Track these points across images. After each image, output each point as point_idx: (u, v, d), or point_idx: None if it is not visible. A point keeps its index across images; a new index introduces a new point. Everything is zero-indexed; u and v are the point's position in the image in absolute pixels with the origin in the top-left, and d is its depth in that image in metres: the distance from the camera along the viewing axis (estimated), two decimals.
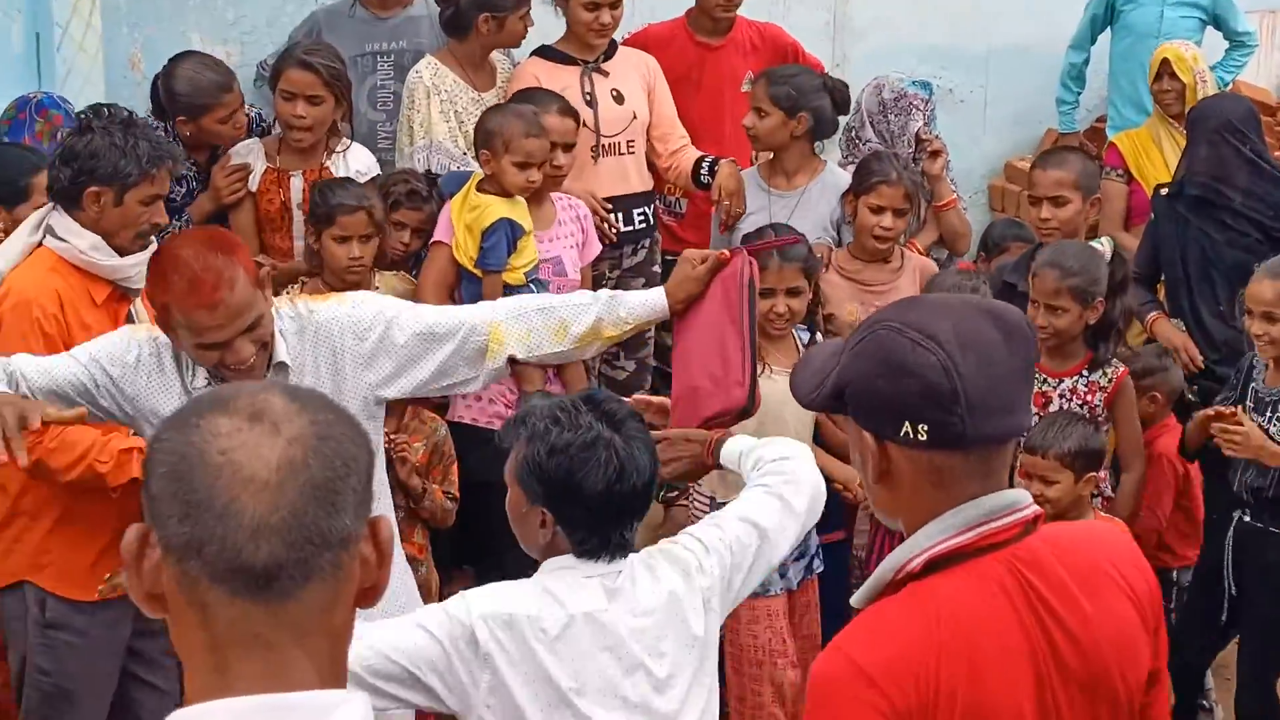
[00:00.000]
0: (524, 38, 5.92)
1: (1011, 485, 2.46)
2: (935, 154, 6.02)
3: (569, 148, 5.42)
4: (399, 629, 3.07)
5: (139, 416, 3.82)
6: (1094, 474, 4.77)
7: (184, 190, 5.69)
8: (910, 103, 6.21)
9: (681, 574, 3.28)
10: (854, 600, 2.41)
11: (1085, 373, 5.06)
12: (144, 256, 4.20)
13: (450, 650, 3.04)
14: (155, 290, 3.67)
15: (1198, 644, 5.18)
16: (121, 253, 4.26)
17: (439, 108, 5.81)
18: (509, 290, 5.16)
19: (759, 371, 4.10)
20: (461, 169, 5.69)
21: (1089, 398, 5.04)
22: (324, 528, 1.69)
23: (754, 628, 5.00)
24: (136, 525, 1.75)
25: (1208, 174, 5.96)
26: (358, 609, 1.79)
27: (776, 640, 5.01)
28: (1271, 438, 4.95)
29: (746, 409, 3.96)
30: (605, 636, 3.12)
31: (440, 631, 3.04)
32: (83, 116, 4.42)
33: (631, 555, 3.25)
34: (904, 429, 2.26)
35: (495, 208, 5.22)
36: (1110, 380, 5.06)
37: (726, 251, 4.03)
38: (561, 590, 3.12)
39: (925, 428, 2.24)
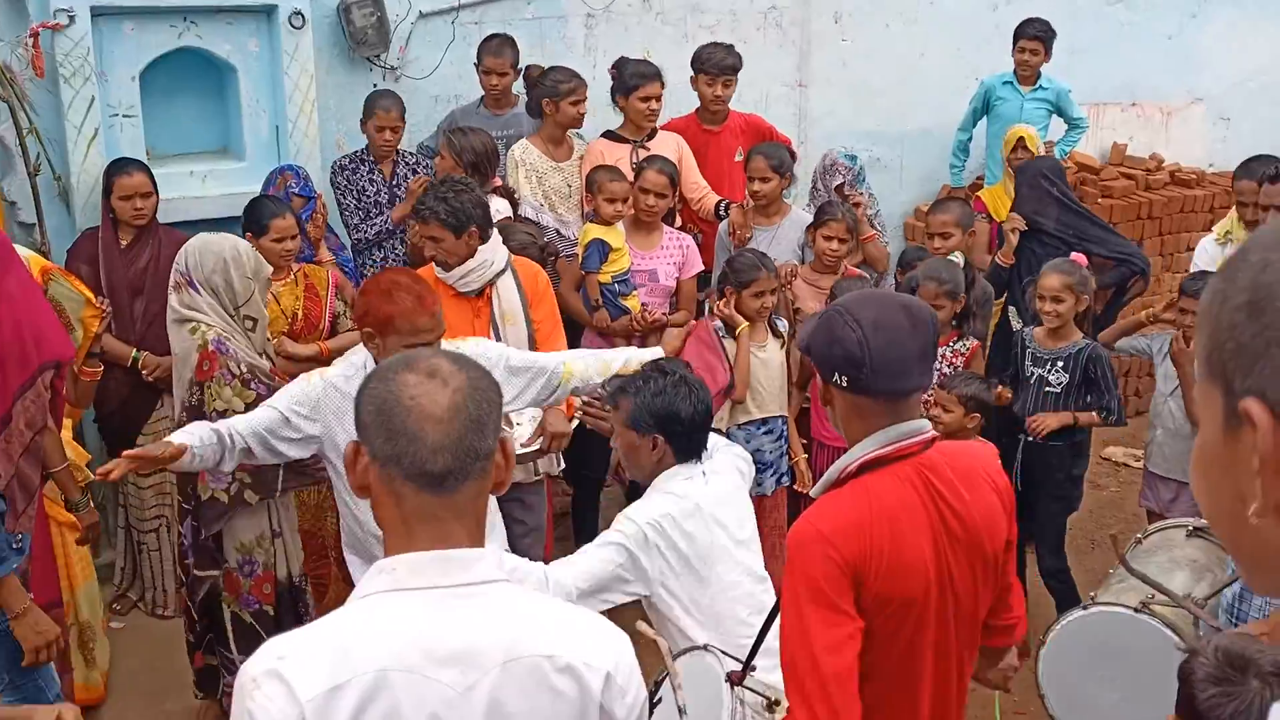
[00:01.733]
0: (577, 117, 6.21)
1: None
2: (856, 205, 6.17)
3: (660, 195, 5.77)
4: (591, 558, 3.38)
5: (324, 443, 3.96)
6: (976, 415, 5.02)
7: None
8: (836, 169, 6.38)
9: (739, 472, 3.73)
10: (812, 491, 2.68)
11: (952, 344, 5.38)
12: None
13: (635, 551, 3.40)
14: (381, 304, 3.76)
15: None
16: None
17: (524, 174, 6.22)
18: (602, 286, 5.75)
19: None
20: (537, 212, 6.17)
21: (955, 361, 5.34)
22: (476, 447, 1.94)
23: None
24: (352, 441, 2.00)
25: (1029, 209, 6.46)
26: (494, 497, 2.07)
27: None
28: (1048, 382, 5.33)
29: (731, 387, 4.94)
30: (712, 516, 3.51)
31: (628, 541, 3.40)
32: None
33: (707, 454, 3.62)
34: (834, 377, 2.54)
35: (592, 231, 5.74)
36: (967, 349, 5.40)
37: (694, 323, 5.01)
38: (680, 488, 3.51)
39: (845, 379, 2.51)
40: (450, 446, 1.91)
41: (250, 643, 4.54)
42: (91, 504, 4.66)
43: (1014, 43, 7.62)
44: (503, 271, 4.85)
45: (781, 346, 5.47)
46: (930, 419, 4.92)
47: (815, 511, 2.56)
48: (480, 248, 4.77)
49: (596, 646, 2.01)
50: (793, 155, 6.41)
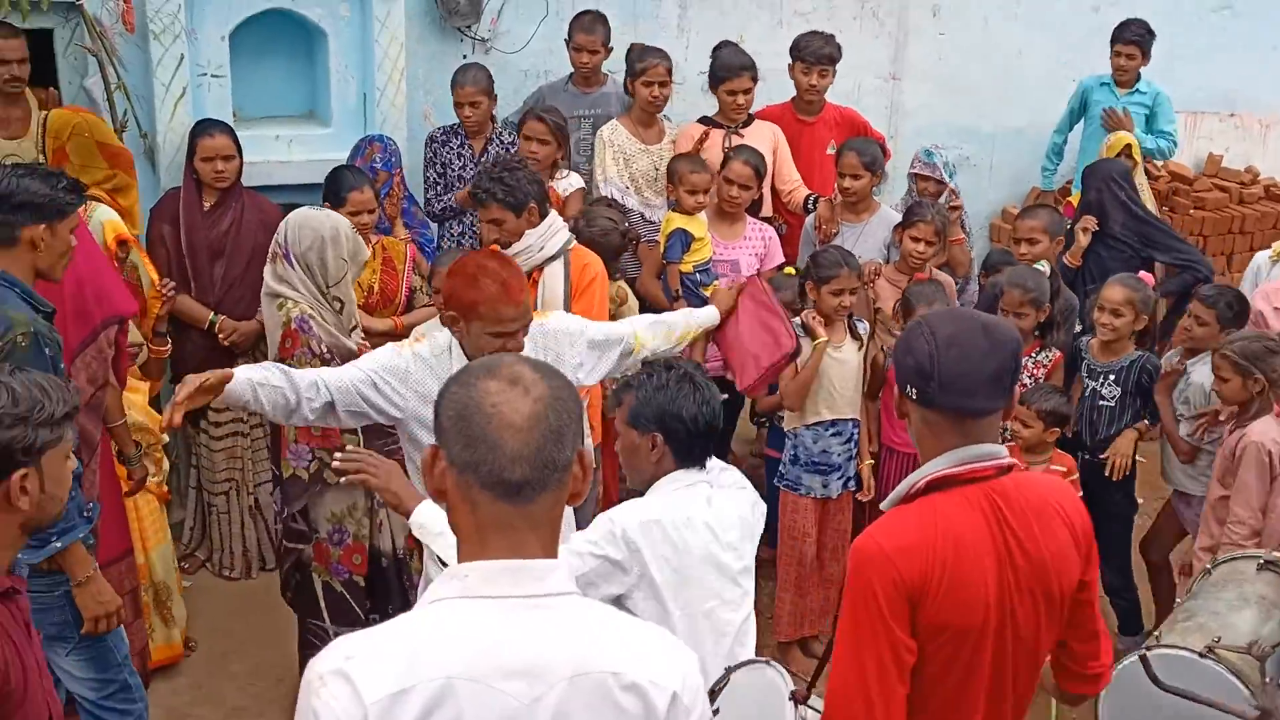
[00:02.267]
0: (650, 100, 6.09)
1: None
2: (955, 208, 6.13)
3: (745, 187, 5.71)
4: (576, 553, 3.15)
5: (407, 417, 3.77)
6: (1056, 429, 4.97)
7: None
8: (916, 162, 6.30)
9: (749, 504, 3.44)
10: (883, 505, 2.62)
11: (1034, 355, 5.26)
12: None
13: (610, 551, 3.18)
14: (466, 290, 3.64)
15: None
16: None
17: (611, 156, 6.16)
18: (683, 275, 5.64)
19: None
20: (623, 195, 6.10)
21: (1036, 372, 5.23)
22: (555, 458, 1.93)
23: (793, 515, 5.31)
24: (431, 445, 1.98)
25: (1095, 211, 6.39)
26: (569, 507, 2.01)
27: (806, 526, 5.29)
28: (1102, 396, 5.25)
29: (798, 351, 4.72)
30: (707, 532, 3.25)
31: (604, 540, 3.19)
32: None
33: (711, 471, 3.35)
34: (906, 388, 2.55)
35: (674, 221, 5.66)
36: (1049, 361, 5.29)
37: (744, 279, 4.78)
38: (674, 498, 3.26)
39: (914, 390, 2.52)
40: (529, 456, 1.90)
41: (342, 611, 4.66)
42: (144, 461, 4.73)
43: (1111, 45, 7.46)
44: (554, 257, 4.73)
45: (860, 348, 5.35)
46: (1013, 434, 4.99)
47: (880, 527, 2.53)
48: (528, 231, 4.68)
49: (664, 665, 2.00)
50: (885, 152, 6.32)
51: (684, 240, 5.66)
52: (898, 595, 2.42)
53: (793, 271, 5.66)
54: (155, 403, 5.19)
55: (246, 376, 3.54)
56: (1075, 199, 7.09)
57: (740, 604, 3.35)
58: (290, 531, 4.62)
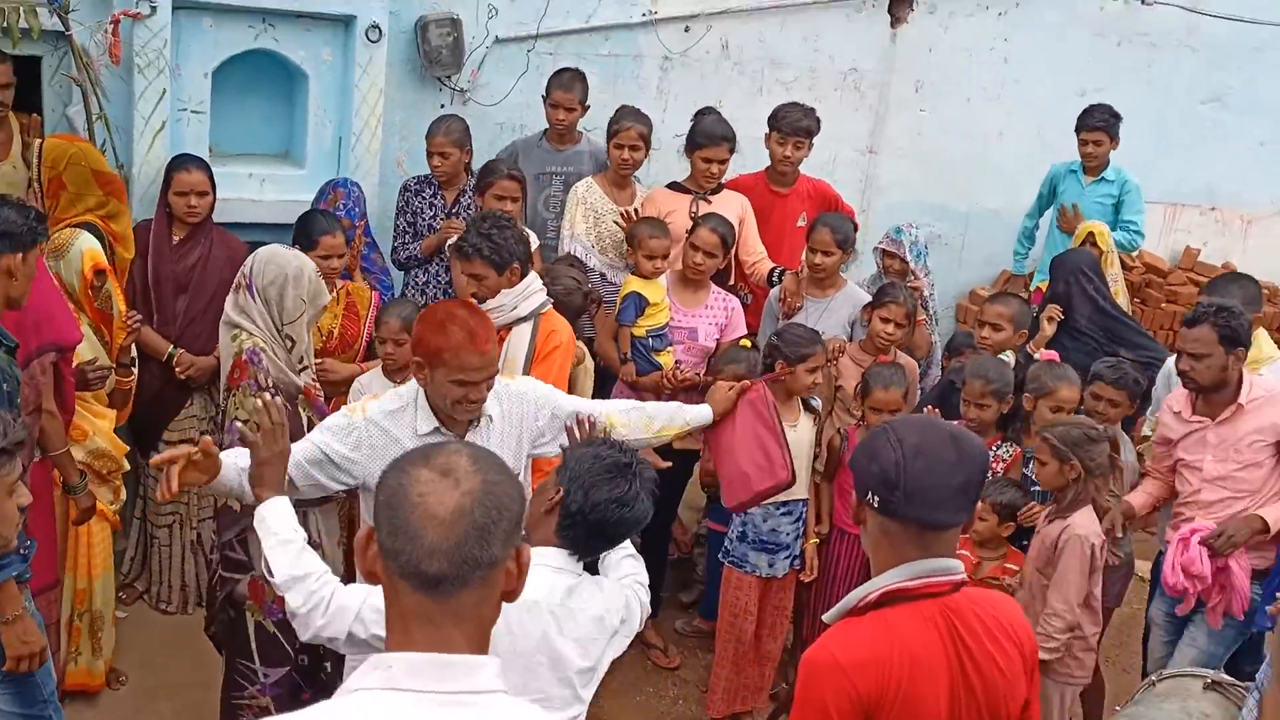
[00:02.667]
0: (621, 161, 6.12)
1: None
2: (914, 289, 6.07)
3: (710, 255, 5.68)
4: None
5: (359, 484, 3.76)
6: (1010, 523, 4.94)
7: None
8: (886, 250, 6.29)
9: (618, 604, 3.20)
10: (825, 617, 2.58)
11: (994, 449, 5.16)
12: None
13: None
14: (432, 336, 3.66)
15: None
16: None
17: (583, 214, 6.16)
18: (634, 339, 5.64)
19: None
20: (586, 254, 6.09)
21: (996, 466, 5.13)
22: (477, 555, 1.87)
23: (736, 592, 5.33)
24: (367, 525, 1.97)
25: (1062, 303, 6.35)
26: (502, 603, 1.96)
27: (748, 603, 5.33)
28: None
29: (791, 484, 4.46)
30: (552, 622, 3.03)
31: None
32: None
33: (605, 559, 3.28)
34: (867, 495, 2.51)
35: (631, 284, 5.66)
36: (1009, 455, 5.22)
37: (749, 381, 4.45)
38: (535, 576, 2.94)
39: (876, 499, 2.48)
40: (447, 551, 1.87)
41: (273, 651, 4.61)
42: (93, 488, 4.73)
43: (1077, 133, 7.42)
44: (525, 319, 4.78)
45: (814, 425, 5.38)
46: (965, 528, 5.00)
47: (834, 639, 2.50)
48: (504, 290, 4.73)
49: None
50: (854, 226, 6.32)
51: (638, 304, 5.67)
52: (852, 710, 2.40)
53: (748, 344, 5.67)
54: (121, 431, 5.23)
55: (231, 461, 3.52)
56: (1043, 286, 7.13)
57: (565, 707, 3.08)
58: (228, 561, 4.59)
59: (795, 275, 6.04)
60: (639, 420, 4.17)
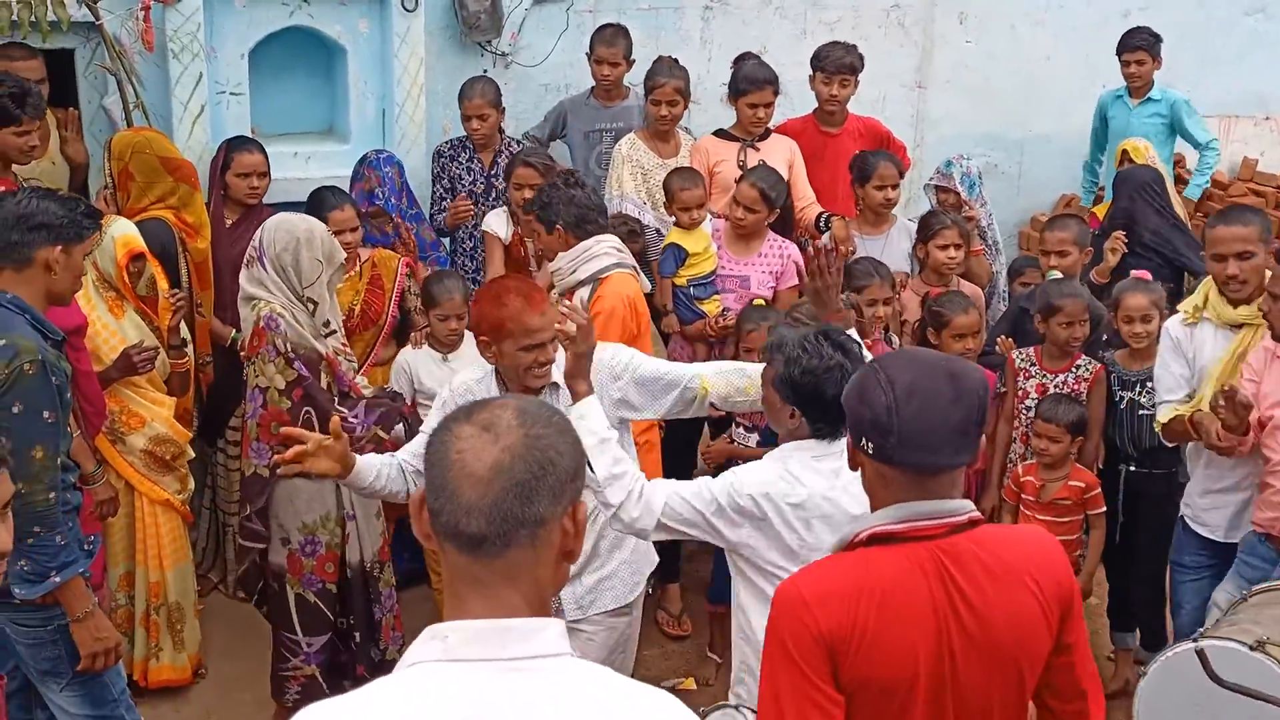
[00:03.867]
0: (657, 117, 6.05)
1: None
2: (970, 219, 6.00)
3: (750, 210, 5.55)
4: (686, 497, 3.31)
5: None
6: (1081, 438, 4.98)
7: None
8: (937, 174, 6.28)
9: None
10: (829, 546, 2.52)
11: (1075, 369, 5.18)
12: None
13: (727, 507, 3.29)
14: (492, 311, 3.72)
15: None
16: None
17: (629, 171, 6.09)
18: (676, 289, 5.58)
19: None
20: (639, 210, 5.99)
21: (1078, 387, 5.15)
22: (519, 513, 1.78)
23: None
24: (421, 488, 1.87)
25: (1124, 218, 6.32)
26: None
27: None
28: (1141, 405, 5.06)
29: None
30: (829, 507, 3.27)
31: (722, 497, 3.29)
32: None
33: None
34: (861, 440, 2.37)
35: (672, 235, 5.65)
36: (1091, 373, 5.17)
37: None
38: (799, 471, 3.30)
39: (870, 445, 2.35)
40: (485, 510, 1.77)
41: (315, 622, 4.68)
42: (107, 479, 4.66)
43: (1119, 56, 7.36)
44: (584, 283, 4.73)
45: None
46: (1038, 451, 4.91)
47: (804, 573, 2.43)
48: (561, 252, 4.74)
49: None
50: (906, 161, 6.31)
51: (677, 255, 5.61)
52: (816, 646, 2.30)
53: (762, 302, 5.57)
54: (185, 419, 5.18)
55: (368, 463, 3.79)
56: (1100, 210, 7.06)
57: None
58: (246, 530, 4.65)
59: (844, 221, 5.95)
60: (739, 382, 4.01)
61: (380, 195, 5.79)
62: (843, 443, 3.09)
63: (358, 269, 5.40)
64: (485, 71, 6.67)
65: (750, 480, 3.32)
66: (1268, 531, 4.37)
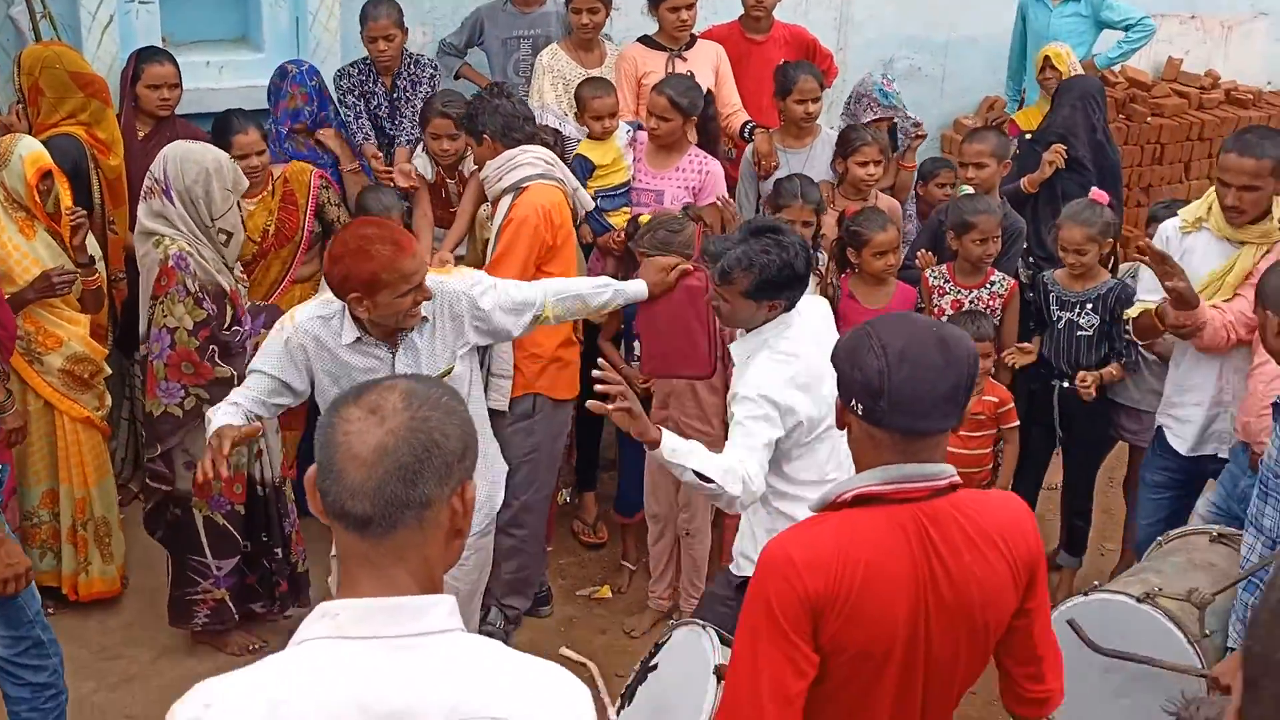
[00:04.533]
0: (579, 25, 6.00)
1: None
2: (920, 138, 6.16)
3: (663, 119, 5.49)
4: (751, 432, 3.59)
5: (316, 383, 3.85)
6: (990, 355, 5.02)
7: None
8: (867, 103, 6.26)
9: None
10: (809, 506, 2.54)
11: (988, 285, 5.30)
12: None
13: (779, 418, 3.64)
14: (362, 266, 3.54)
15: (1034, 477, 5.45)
16: None
17: (550, 82, 6.03)
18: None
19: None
20: (560, 122, 5.91)
21: (993, 303, 5.28)
22: (403, 496, 1.81)
23: None
24: (314, 465, 1.89)
25: (1063, 128, 6.21)
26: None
27: None
28: (1079, 325, 5.17)
29: (709, 376, 4.50)
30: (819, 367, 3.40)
31: (765, 419, 3.62)
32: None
33: None
34: (851, 401, 2.42)
35: (581, 147, 5.59)
36: (1006, 289, 5.29)
37: (690, 266, 4.32)
38: (787, 347, 3.67)
39: (860, 407, 2.39)
40: (369, 493, 1.81)
41: (224, 544, 4.77)
42: (16, 407, 4.61)
43: None
44: (506, 191, 4.76)
45: (816, 281, 5.28)
46: None
47: (792, 535, 2.46)
48: (489, 160, 4.79)
49: (551, 707, 1.85)
50: (832, 69, 6.32)
51: (584, 166, 5.54)
52: (801, 608, 2.34)
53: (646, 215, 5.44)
54: (100, 335, 5.16)
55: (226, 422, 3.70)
56: (1021, 114, 7.06)
57: None
58: (152, 473, 4.71)
59: (766, 134, 5.93)
60: (575, 305, 4.21)
61: (307, 112, 5.74)
62: (794, 314, 3.71)
63: (270, 188, 5.34)
64: None
65: (766, 383, 3.63)
66: (1245, 439, 4.40)
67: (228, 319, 4.56)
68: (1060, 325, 5.26)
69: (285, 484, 4.97)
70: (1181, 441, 4.78)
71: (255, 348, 4.31)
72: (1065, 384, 5.28)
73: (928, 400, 2.34)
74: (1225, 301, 4.51)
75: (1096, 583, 3.97)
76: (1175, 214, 4.89)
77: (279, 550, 4.95)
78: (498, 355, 4.83)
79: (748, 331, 3.79)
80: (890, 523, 2.38)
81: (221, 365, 4.56)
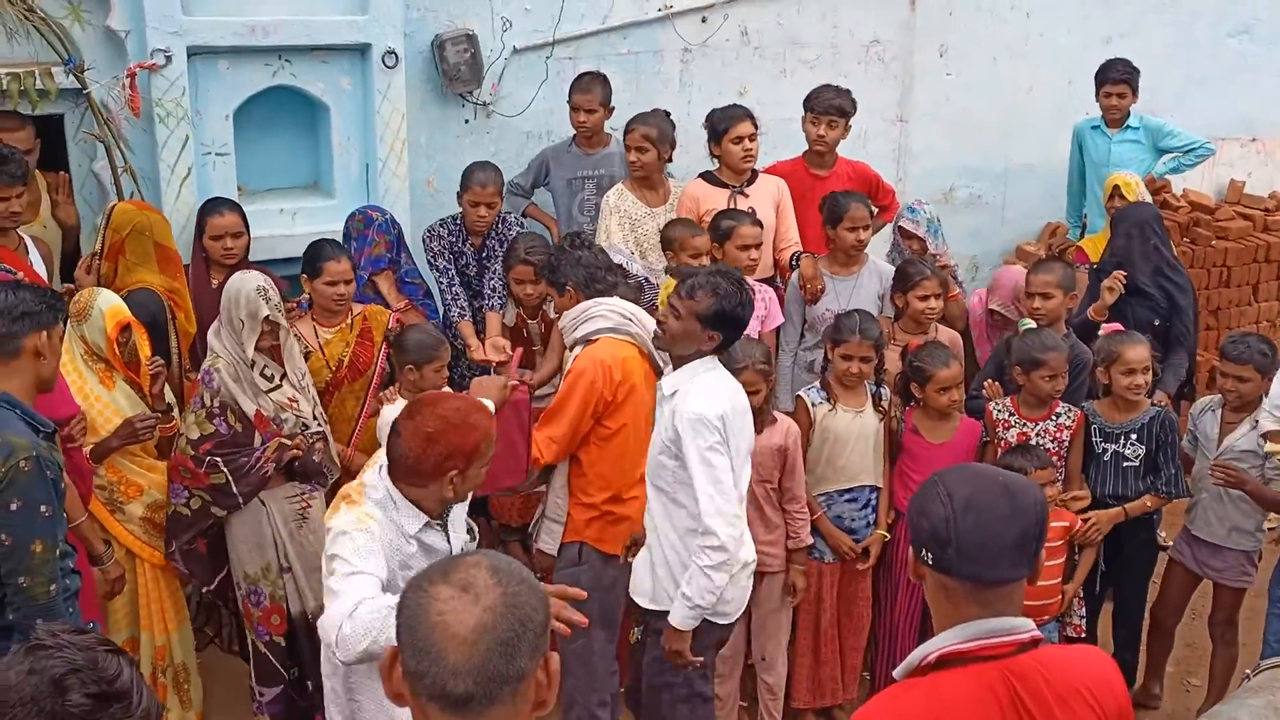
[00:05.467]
0: (633, 165, 6.16)
1: None
2: (944, 267, 6.12)
3: (757, 247, 5.74)
4: (714, 475, 4.03)
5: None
6: (1050, 486, 4.93)
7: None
8: (906, 230, 6.33)
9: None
10: (895, 673, 2.49)
11: (1054, 416, 5.25)
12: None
13: (721, 445, 4.04)
14: (465, 439, 3.43)
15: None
16: None
17: (617, 221, 6.20)
18: None
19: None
20: (628, 261, 6.03)
21: (1059, 435, 5.23)
22: (504, 671, 1.83)
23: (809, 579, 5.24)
24: (391, 647, 1.93)
25: (1121, 255, 6.29)
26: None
27: (821, 591, 5.32)
28: (1125, 457, 5.20)
29: (524, 481, 4.69)
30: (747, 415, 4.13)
31: (713, 439, 4.06)
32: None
33: None
34: (922, 551, 2.43)
35: (669, 286, 5.38)
36: (1073, 421, 5.24)
37: (517, 380, 4.47)
38: (719, 386, 4.04)
39: (930, 556, 2.41)
40: (473, 671, 1.82)
41: (266, 672, 4.97)
42: (115, 558, 4.72)
43: (1098, 88, 7.38)
44: (578, 342, 4.84)
45: (881, 416, 5.33)
46: None
47: (880, 705, 2.43)
48: (566, 311, 4.90)
49: None
50: (894, 203, 6.47)
51: None
52: None
53: None
54: None
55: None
56: (1088, 242, 7.10)
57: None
58: (170, 567, 5.00)
59: (812, 259, 6.05)
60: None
61: (387, 259, 5.94)
62: (719, 364, 4.17)
63: (349, 321, 5.51)
64: (467, 122, 6.78)
65: (714, 406, 4.02)
66: None
67: (254, 440, 4.83)
68: (1106, 457, 5.26)
69: None
70: None
71: (275, 451, 4.75)
72: None
73: (996, 547, 2.35)
74: None
75: (1186, 687, 3.88)
76: (1248, 347, 5.05)
77: (310, 683, 4.98)
78: (553, 500, 4.90)
79: (676, 366, 4.16)
80: (979, 685, 2.35)
81: (218, 472, 4.81)
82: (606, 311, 4.84)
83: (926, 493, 2.45)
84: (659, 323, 4.23)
